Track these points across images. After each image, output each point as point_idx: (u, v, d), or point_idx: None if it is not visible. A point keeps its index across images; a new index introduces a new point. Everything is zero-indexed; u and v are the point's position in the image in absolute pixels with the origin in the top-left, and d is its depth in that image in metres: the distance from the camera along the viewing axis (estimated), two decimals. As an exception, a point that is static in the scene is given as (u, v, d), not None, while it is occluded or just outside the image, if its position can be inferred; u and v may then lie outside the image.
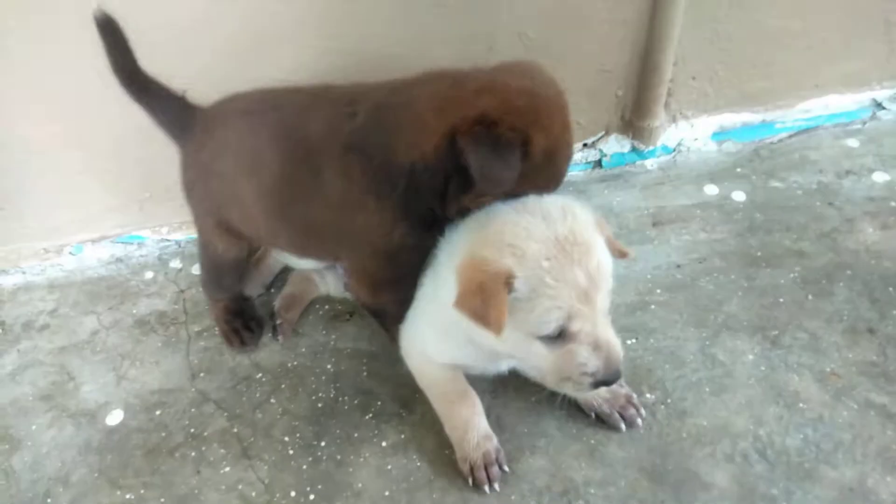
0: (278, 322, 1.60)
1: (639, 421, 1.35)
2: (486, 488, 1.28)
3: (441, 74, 1.20)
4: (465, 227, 1.20)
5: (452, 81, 1.16)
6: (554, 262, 1.05)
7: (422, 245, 1.27)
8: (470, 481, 1.29)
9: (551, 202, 1.13)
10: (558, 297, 1.04)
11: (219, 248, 1.46)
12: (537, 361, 1.14)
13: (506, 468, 1.30)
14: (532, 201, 1.14)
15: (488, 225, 1.12)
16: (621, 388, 1.37)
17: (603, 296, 1.09)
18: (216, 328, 1.63)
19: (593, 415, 1.38)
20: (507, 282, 1.04)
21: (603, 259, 1.10)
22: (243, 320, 1.59)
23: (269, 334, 1.61)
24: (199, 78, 1.43)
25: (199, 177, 1.41)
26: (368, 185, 1.19)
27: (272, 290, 1.71)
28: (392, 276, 1.33)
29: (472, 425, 1.31)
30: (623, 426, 1.35)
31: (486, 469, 1.28)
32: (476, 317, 1.05)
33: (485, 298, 1.03)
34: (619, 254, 1.16)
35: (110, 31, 1.31)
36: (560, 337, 1.08)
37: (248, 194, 1.32)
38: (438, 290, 1.22)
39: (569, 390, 1.16)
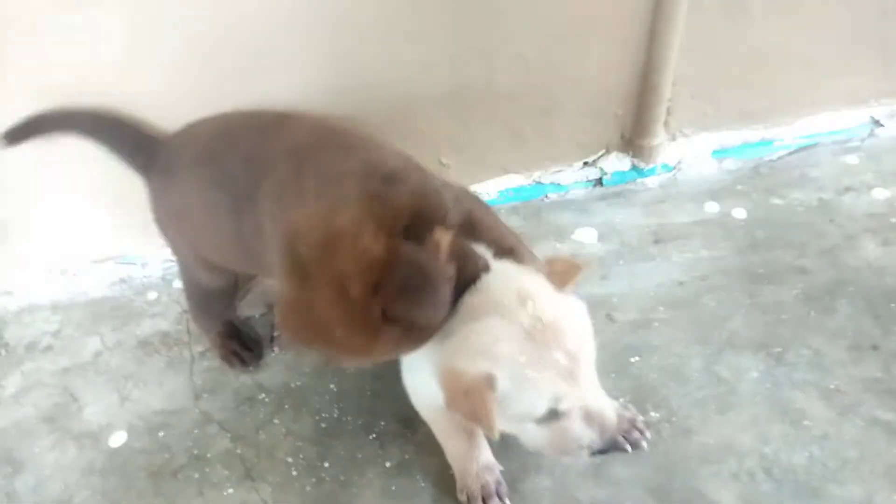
0: (277, 334, 1.59)
1: (643, 444, 1.34)
2: None
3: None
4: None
5: None
6: (530, 355, 1.02)
7: None
8: None
9: (503, 289, 1.07)
10: (542, 385, 1.03)
11: (202, 279, 1.44)
12: (532, 440, 1.13)
13: (507, 501, 1.28)
14: (482, 294, 1.08)
15: (451, 335, 1.08)
16: (626, 412, 1.36)
17: (587, 367, 1.07)
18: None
19: None
20: (490, 384, 1.02)
21: (578, 331, 1.07)
22: (240, 341, 1.59)
23: (273, 351, 1.61)
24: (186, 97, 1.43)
25: (168, 215, 1.39)
26: None
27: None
28: None
29: (471, 456, 1.29)
30: (629, 448, 1.33)
31: (483, 502, 1.26)
32: (470, 417, 1.05)
33: (473, 403, 1.02)
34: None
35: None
36: (551, 416, 1.07)
37: (220, 235, 1.28)
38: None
39: (568, 460, 1.16)
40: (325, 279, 0.98)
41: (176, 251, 1.48)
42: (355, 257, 0.97)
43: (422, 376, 1.25)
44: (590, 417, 1.07)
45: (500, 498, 1.28)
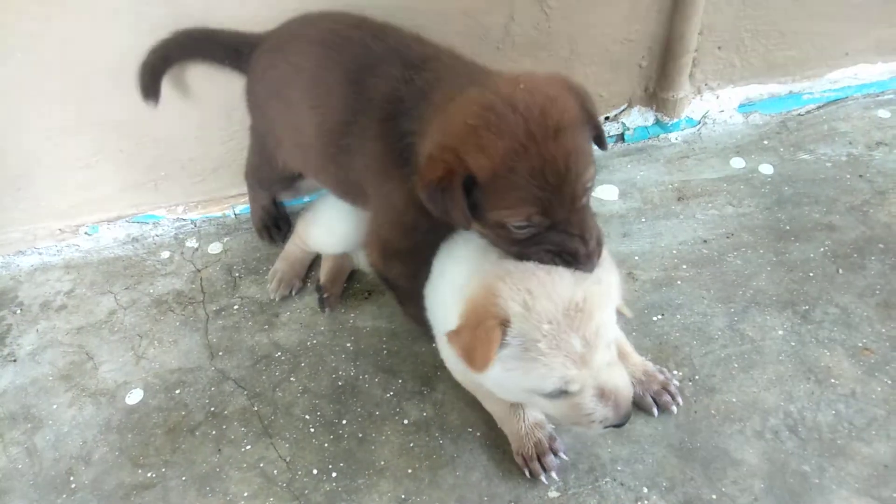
0: (325, 296, 1.59)
1: (673, 408, 1.31)
2: (543, 478, 1.24)
3: (480, 90, 1.07)
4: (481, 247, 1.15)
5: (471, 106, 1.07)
6: (554, 327, 1.00)
7: (436, 229, 1.23)
8: (527, 473, 1.26)
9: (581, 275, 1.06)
10: (552, 365, 1.01)
11: (271, 158, 1.49)
12: (543, 409, 1.12)
13: (563, 455, 1.27)
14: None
15: (518, 263, 1.07)
16: (659, 374, 1.33)
17: (602, 350, 1.04)
18: (232, 308, 1.62)
19: None
20: (503, 326, 1.00)
21: (602, 321, 1.04)
22: (275, 219, 1.75)
23: (324, 311, 1.60)
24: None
25: (265, 91, 1.42)
26: (395, 160, 1.16)
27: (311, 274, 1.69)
28: (403, 247, 1.30)
29: (519, 417, 1.27)
30: (656, 411, 1.31)
31: (539, 459, 1.25)
32: (464, 352, 1.03)
33: (477, 336, 1.00)
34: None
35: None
36: (562, 394, 1.05)
37: (305, 126, 1.31)
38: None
39: (581, 430, 1.14)
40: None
41: (256, 126, 1.53)
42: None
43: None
44: (604, 395, 1.05)
45: (555, 453, 1.26)
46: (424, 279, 1.31)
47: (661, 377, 1.33)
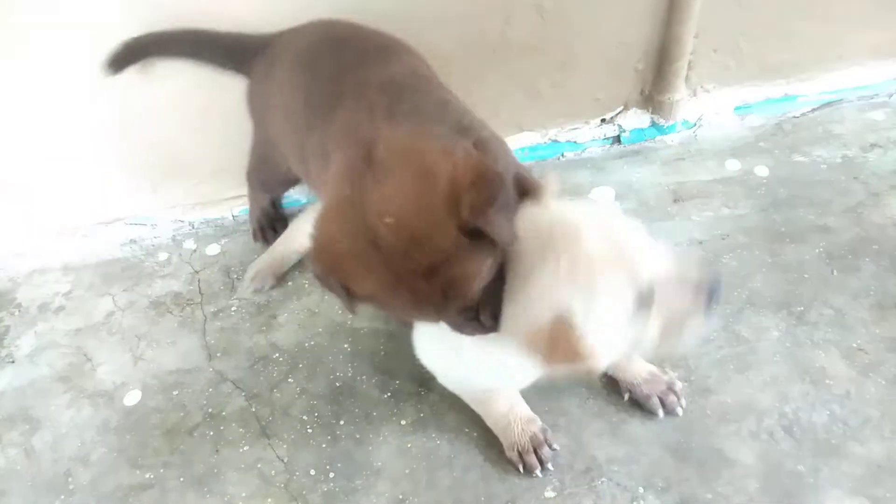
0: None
1: (678, 409, 1.31)
2: (539, 472, 1.25)
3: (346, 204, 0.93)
4: None
5: None
6: (593, 283, 0.94)
7: None
8: (521, 468, 1.26)
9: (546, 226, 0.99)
10: (615, 286, 0.94)
11: (272, 159, 1.46)
12: (650, 341, 1.01)
13: (556, 446, 1.28)
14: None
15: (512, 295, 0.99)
16: (664, 374, 1.33)
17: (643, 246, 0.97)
18: (230, 310, 1.63)
19: (626, 396, 1.34)
20: (569, 323, 0.94)
21: (620, 237, 0.97)
22: (272, 221, 1.75)
23: (315, 308, 1.60)
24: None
25: (260, 101, 1.41)
26: None
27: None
28: None
29: (511, 416, 1.28)
30: (661, 413, 1.31)
31: (536, 452, 1.26)
32: (572, 363, 0.97)
33: (564, 348, 0.95)
34: None
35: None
36: (644, 302, 0.96)
37: (292, 138, 1.27)
38: None
39: (697, 333, 1.01)
40: (406, 171, 0.87)
41: (257, 130, 1.50)
42: (446, 154, 0.88)
43: (438, 350, 1.22)
44: (676, 278, 0.97)
45: (549, 445, 1.27)
46: None
47: (665, 378, 1.33)
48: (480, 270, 0.89)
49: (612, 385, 1.37)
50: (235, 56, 1.44)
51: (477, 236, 0.86)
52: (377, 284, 0.88)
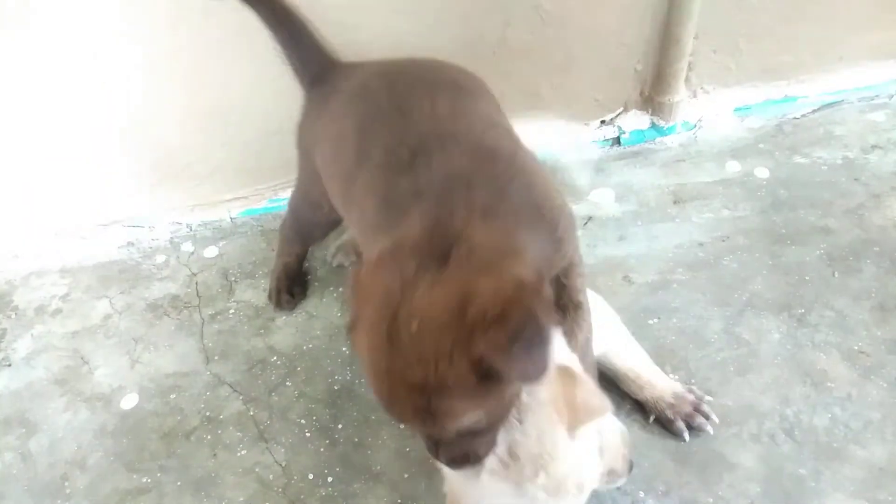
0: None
1: (709, 428, 1.27)
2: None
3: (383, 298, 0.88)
4: None
5: None
6: None
7: None
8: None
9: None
10: None
11: (313, 197, 1.35)
12: None
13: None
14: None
15: None
16: (689, 395, 1.30)
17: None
18: (228, 312, 1.62)
19: (652, 418, 1.30)
20: None
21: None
22: (291, 282, 1.62)
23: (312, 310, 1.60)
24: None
25: (311, 133, 1.31)
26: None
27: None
28: None
29: None
30: (686, 436, 1.27)
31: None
32: None
33: None
34: None
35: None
36: None
37: (338, 176, 1.17)
38: None
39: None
40: (456, 283, 0.81)
41: (302, 165, 1.39)
42: (500, 279, 0.81)
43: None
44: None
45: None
46: None
47: (690, 397, 1.30)
48: (466, 413, 0.84)
49: (635, 405, 1.33)
50: (308, 65, 1.34)
51: (490, 375, 0.80)
52: (375, 367, 0.86)
